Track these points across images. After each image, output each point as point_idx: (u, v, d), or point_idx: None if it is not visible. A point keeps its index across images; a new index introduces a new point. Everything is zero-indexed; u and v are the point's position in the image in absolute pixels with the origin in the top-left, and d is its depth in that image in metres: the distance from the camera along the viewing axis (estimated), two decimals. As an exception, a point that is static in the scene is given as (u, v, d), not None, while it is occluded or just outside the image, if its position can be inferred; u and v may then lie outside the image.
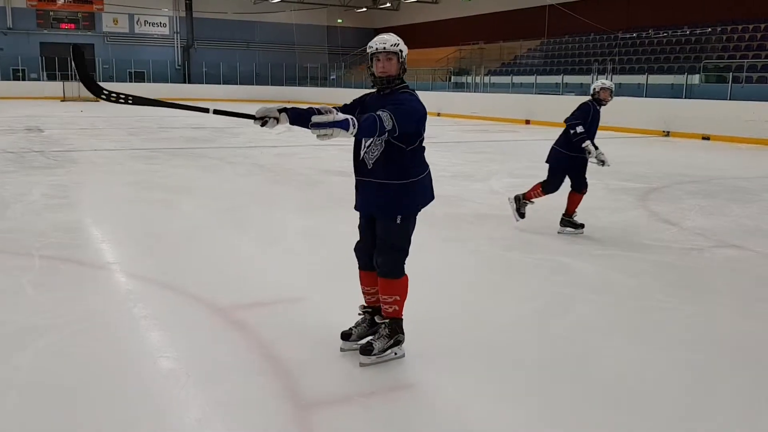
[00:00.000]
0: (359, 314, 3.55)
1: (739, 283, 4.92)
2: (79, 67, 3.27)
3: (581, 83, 23.35)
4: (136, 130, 17.42)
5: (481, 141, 16.26)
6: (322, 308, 4.08)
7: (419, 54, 37.85)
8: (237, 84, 42.02)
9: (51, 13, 39.66)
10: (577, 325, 3.96)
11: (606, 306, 4.32)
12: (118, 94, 3.17)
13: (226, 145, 14.09)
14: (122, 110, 26.21)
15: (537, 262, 5.34)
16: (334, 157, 11.85)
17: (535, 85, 24.73)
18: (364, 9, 44.35)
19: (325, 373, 3.22)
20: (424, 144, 3.29)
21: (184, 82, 42.09)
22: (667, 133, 18.12)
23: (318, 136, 2.86)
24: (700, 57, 21.14)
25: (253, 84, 42.33)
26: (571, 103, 22.02)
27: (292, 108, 3.14)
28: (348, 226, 6.48)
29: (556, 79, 24.56)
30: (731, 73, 18.72)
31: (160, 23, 42.64)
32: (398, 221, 3.24)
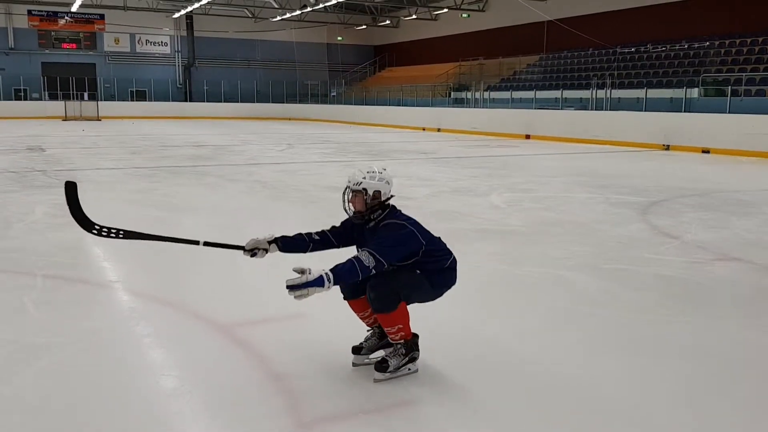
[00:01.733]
0: (368, 329, 3.55)
1: (741, 296, 4.92)
2: (71, 201, 3.27)
3: (580, 98, 23.46)
4: (137, 149, 17.48)
5: (481, 156, 16.31)
6: (324, 324, 4.08)
7: (419, 70, 38.07)
8: (238, 102, 42.23)
9: (53, 33, 39.94)
10: (578, 339, 3.96)
11: (607, 319, 4.32)
12: (109, 229, 3.23)
13: (228, 163, 14.13)
14: (124, 129, 26.33)
15: (538, 275, 5.34)
16: (336, 174, 11.88)
17: (534, 100, 24.83)
18: (364, 26, 44.64)
19: (327, 389, 3.22)
20: (450, 256, 3.34)
21: (186, 101, 42.32)
22: (667, 147, 18.17)
23: (295, 297, 2.96)
24: (698, 71, 21.24)
25: (254, 101, 42.55)
26: (571, 117, 22.26)
27: (282, 237, 3.27)
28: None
29: (555, 93, 24.66)
30: (730, 87, 18.79)
31: (162, 42, 42.92)
32: (417, 272, 3.25)
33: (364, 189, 3.24)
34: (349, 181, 3.29)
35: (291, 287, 2.96)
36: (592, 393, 3.24)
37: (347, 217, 3.41)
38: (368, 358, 3.43)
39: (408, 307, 3.30)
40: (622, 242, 6.58)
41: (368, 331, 3.54)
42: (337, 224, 3.47)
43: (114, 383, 3.27)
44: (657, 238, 6.79)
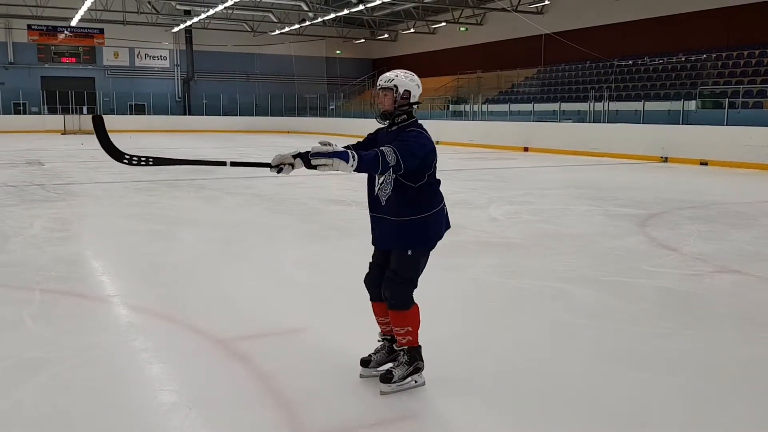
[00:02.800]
0: (378, 341, 3.56)
1: (740, 309, 4.91)
2: (99, 134, 3.29)
3: (578, 110, 23.53)
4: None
5: (479, 168, 16.34)
6: (324, 338, 4.07)
7: (417, 83, 38.11)
8: (237, 115, 42.33)
9: (52, 47, 40.07)
10: (578, 352, 3.95)
11: (607, 332, 4.31)
12: (139, 157, 3.23)
13: (226, 176, 14.13)
14: (122, 143, 26.32)
15: (537, 288, 5.34)
16: (334, 187, 11.89)
17: (532, 113, 24.89)
18: (362, 40, 44.85)
19: (327, 404, 3.21)
20: (438, 178, 3.33)
21: (185, 114, 42.41)
22: (665, 159, 18.21)
23: (318, 167, 2.92)
24: (696, 83, 21.33)
25: (253, 115, 42.65)
26: (569, 130, 22.34)
27: (306, 152, 3.14)
28: (348, 255, 6.52)
29: (553, 106, 24.75)
30: (727, 99, 18.86)
31: (161, 56, 43.06)
32: (409, 253, 3.26)
33: (395, 86, 3.24)
34: (381, 80, 3.28)
35: (317, 155, 2.92)
36: (593, 405, 3.22)
37: (369, 134, 3.41)
38: (376, 371, 3.43)
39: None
40: (621, 254, 6.58)
41: (378, 342, 3.55)
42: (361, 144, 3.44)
43: (112, 398, 3.26)
44: (656, 251, 6.79)
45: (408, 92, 3.27)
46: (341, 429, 2.98)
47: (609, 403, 3.27)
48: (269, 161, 3.16)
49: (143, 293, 5.16)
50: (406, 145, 3.10)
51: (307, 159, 3.05)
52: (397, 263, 3.29)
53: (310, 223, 8.42)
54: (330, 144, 2.96)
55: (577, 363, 3.77)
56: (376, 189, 3.30)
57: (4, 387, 3.36)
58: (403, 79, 3.27)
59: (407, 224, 3.25)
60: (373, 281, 3.42)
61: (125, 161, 3.23)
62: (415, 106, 3.32)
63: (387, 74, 3.30)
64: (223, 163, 3.36)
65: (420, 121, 3.33)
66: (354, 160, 2.93)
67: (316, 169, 2.97)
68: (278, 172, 3.14)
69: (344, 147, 3.30)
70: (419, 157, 3.15)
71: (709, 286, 5.55)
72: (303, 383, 3.41)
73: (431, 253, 3.36)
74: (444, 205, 3.39)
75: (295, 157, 3.09)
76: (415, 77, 3.34)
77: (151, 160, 3.25)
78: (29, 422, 3.01)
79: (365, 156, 2.99)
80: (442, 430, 2.98)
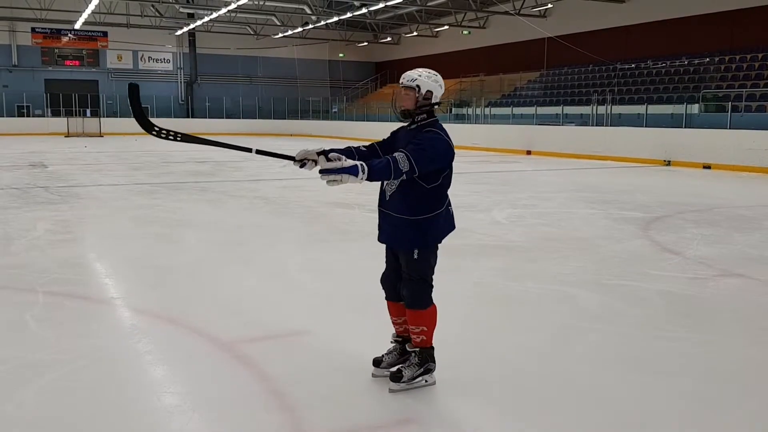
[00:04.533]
0: (391, 342, 3.57)
1: (744, 312, 4.90)
2: (134, 102, 3.35)
3: (581, 114, 23.52)
4: (139, 165, 17.53)
5: (482, 172, 16.34)
6: (327, 341, 4.07)
7: (420, 86, 38.13)
8: (240, 118, 42.39)
9: (56, 50, 40.21)
10: (582, 355, 3.94)
11: (611, 336, 4.30)
12: (168, 131, 3.27)
13: (229, 179, 14.16)
14: (126, 145, 26.41)
15: (541, 292, 5.33)
16: (338, 190, 11.88)
17: (535, 116, 24.90)
18: (365, 43, 44.91)
19: (331, 406, 3.20)
20: (451, 178, 3.33)
21: (188, 117, 42.47)
22: (668, 163, 18.20)
23: (327, 182, 2.95)
24: (698, 86, 21.31)
25: (256, 118, 42.71)
26: (572, 133, 22.35)
27: (330, 150, 3.17)
28: (352, 258, 6.52)
29: (556, 109, 24.75)
30: (730, 102, 18.85)
31: (164, 59, 43.17)
32: (415, 255, 3.27)
33: (418, 86, 3.24)
34: (404, 78, 3.27)
35: (325, 171, 2.95)
36: (597, 408, 3.22)
37: (391, 132, 3.42)
38: (387, 371, 3.44)
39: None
40: (624, 258, 6.57)
41: (392, 343, 3.56)
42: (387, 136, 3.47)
43: (115, 400, 3.26)
44: (659, 254, 6.78)
45: (430, 92, 3.26)
46: (341, 431, 2.98)
47: (613, 406, 3.26)
48: (293, 155, 3.16)
49: (147, 296, 5.16)
50: (422, 150, 3.10)
51: (327, 158, 3.08)
52: (406, 265, 3.31)
53: (314, 226, 8.42)
54: (339, 159, 2.98)
55: (581, 366, 3.76)
56: (385, 183, 3.31)
57: (8, 389, 3.36)
58: (425, 79, 3.25)
59: (409, 223, 3.25)
60: (389, 280, 3.44)
61: (154, 132, 3.27)
62: (436, 106, 3.31)
63: (410, 73, 3.28)
64: (249, 150, 3.37)
65: (440, 122, 3.33)
66: (363, 172, 2.95)
67: (318, 175, 3.00)
68: (301, 166, 3.15)
69: (364, 146, 3.32)
70: (435, 161, 3.15)
71: (713, 289, 5.54)
72: (307, 386, 3.41)
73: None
74: (449, 205, 3.39)
75: (319, 154, 3.11)
76: (439, 77, 3.33)
77: (179, 136, 3.30)
78: (32, 424, 3.02)
79: (376, 165, 3.00)
80: (445, 434, 2.98)
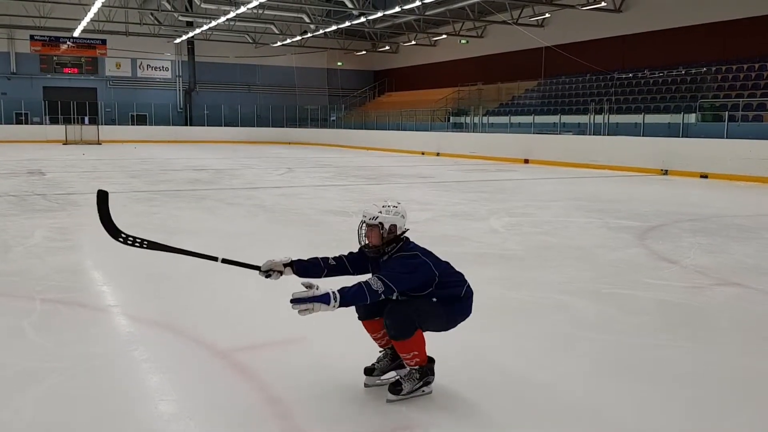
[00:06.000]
0: (380, 350, 3.56)
1: (741, 321, 4.91)
2: (101, 210, 3.37)
3: (578, 123, 23.59)
4: (137, 173, 17.54)
5: (480, 180, 16.36)
6: (323, 348, 4.07)
7: (418, 95, 38.32)
8: (238, 126, 42.46)
9: (54, 58, 40.25)
10: (579, 364, 3.95)
11: (607, 345, 4.31)
12: (134, 238, 3.31)
13: (227, 187, 14.17)
14: (124, 153, 26.43)
15: (537, 300, 5.34)
16: (335, 197, 11.91)
17: (533, 125, 24.96)
18: (364, 52, 45.03)
19: (327, 414, 3.21)
20: (456, 275, 3.38)
21: (186, 125, 42.53)
22: (666, 172, 18.24)
23: (299, 312, 2.99)
24: (695, 96, 21.39)
25: (254, 126, 42.79)
26: (569, 142, 22.46)
27: (298, 260, 3.28)
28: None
29: (553, 118, 24.82)
30: (727, 112, 18.93)
31: (163, 67, 43.23)
32: (434, 300, 3.26)
33: (381, 223, 3.27)
34: (365, 216, 3.30)
35: (296, 300, 2.99)
36: (594, 417, 3.22)
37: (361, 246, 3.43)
38: (380, 379, 3.44)
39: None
40: (621, 267, 6.58)
41: (380, 351, 3.55)
42: (354, 251, 3.49)
43: (112, 408, 3.26)
44: (656, 263, 6.80)
45: (394, 226, 3.29)
46: (341, 440, 2.98)
47: (610, 414, 3.27)
48: (260, 265, 3.24)
49: (144, 303, 5.16)
50: (392, 270, 3.14)
51: (298, 269, 3.25)
52: (419, 301, 3.25)
53: (310, 233, 8.42)
54: (312, 286, 3.01)
55: (578, 375, 3.77)
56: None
57: (5, 396, 3.36)
58: (386, 215, 3.28)
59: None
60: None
61: (120, 240, 3.31)
62: (404, 234, 3.33)
63: (371, 210, 3.30)
64: (215, 259, 3.43)
65: (413, 243, 3.35)
66: (335, 300, 2.98)
67: (290, 303, 3.04)
68: (266, 276, 3.24)
69: (333, 258, 3.37)
70: (410, 277, 3.16)
71: (710, 298, 5.55)
72: (303, 393, 3.41)
73: None
74: (469, 288, 3.41)
75: (285, 265, 3.16)
76: (400, 208, 3.34)
77: (145, 242, 3.34)
78: (29, 431, 3.01)
79: (348, 291, 3.03)
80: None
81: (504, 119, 27.54)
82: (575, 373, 3.80)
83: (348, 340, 4.02)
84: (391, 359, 3.49)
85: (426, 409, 3.26)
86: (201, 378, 3.66)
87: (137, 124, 40.73)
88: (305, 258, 3.40)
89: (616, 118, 22.23)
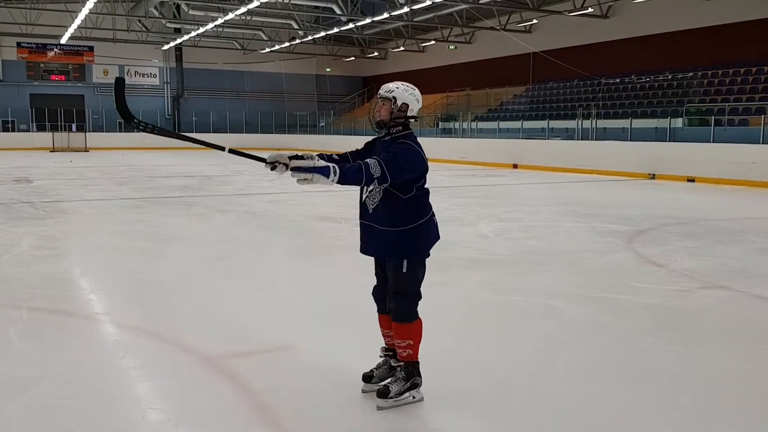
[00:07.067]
0: (380, 356, 3.56)
1: (728, 324, 4.94)
2: (118, 95, 3.44)
3: (567, 128, 23.71)
4: (125, 180, 17.46)
5: (469, 185, 16.40)
6: (313, 355, 4.06)
7: (407, 101, 38.30)
8: (227, 132, 42.36)
9: (41, 65, 40.05)
10: (568, 368, 3.95)
11: (595, 348, 4.32)
12: (146, 124, 3.41)
13: (216, 193, 14.13)
14: (111, 160, 26.30)
15: (526, 305, 5.35)
16: (325, 203, 11.90)
17: (521, 130, 25.05)
18: (353, 58, 45.07)
19: (317, 421, 3.20)
20: (427, 187, 3.35)
21: (175, 131, 42.31)
22: (653, 176, 18.35)
23: (298, 180, 2.97)
24: (682, 101, 21.55)
25: (243, 132, 42.71)
26: (557, 147, 22.52)
27: (303, 155, 3.17)
28: (339, 271, 6.52)
29: (542, 123, 24.92)
30: (713, 116, 19.08)
31: (151, 74, 43.10)
32: (404, 268, 3.28)
33: (394, 98, 3.27)
34: (381, 89, 3.31)
35: (296, 168, 2.97)
36: (582, 421, 3.23)
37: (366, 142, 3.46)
38: (378, 386, 3.44)
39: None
40: (609, 271, 6.61)
41: (380, 357, 3.55)
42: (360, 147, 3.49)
43: (100, 416, 3.23)
44: (643, 267, 6.83)
45: (406, 105, 3.29)
46: (330, 446, 2.97)
47: (597, 418, 3.28)
48: (265, 157, 3.16)
49: (131, 311, 5.13)
50: (393, 158, 3.12)
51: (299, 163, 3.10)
52: (394, 278, 3.31)
53: (300, 240, 8.41)
54: (312, 158, 3.00)
55: (566, 379, 3.78)
56: (364, 196, 3.33)
57: (-10, 406, 3.33)
58: (402, 92, 3.29)
59: (395, 234, 3.27)
60: (380, 293, 3.46)
61: (134, 124, 3.35)
62: (412, 120, 3.33)
63: (388, 84, 3.32)
64: (222, 148, 3.40)
65: (415, 135, 3.35)
66: (335, 174, 2.97)
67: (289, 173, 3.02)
68: (272, 169, 3.13)
69: (338, 155, 3.34)
70: (406, 170, 3.17)
71: (697, 301, 5.58)
72: (292, 401, 3.40)
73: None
74: (433, 215, 3.40)
75: (291, 158, 3.11)
76: (416, 92, 3.35)
77: (157, 129, 3.49)
78: (15, 441, 2.99)
79: (348, 169, 3.03)
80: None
81: (493, 125, 27.64)
82: (564, 377, 3.81)
83: (338, 348, 4.02)
84: (390, 367, 3.49)
85: (416, 415, 3.26)
86: (189, 385, 3.64)
87: (125, 131, 40.57)
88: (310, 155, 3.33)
89: (603, 123, 22.36)
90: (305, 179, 2.96)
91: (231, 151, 3.36)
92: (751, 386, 3.74)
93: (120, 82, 3.53)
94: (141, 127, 3.38)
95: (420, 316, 3.38)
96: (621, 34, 27.33)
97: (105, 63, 40.95)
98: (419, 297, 3.36)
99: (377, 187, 3.19)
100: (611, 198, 13.69)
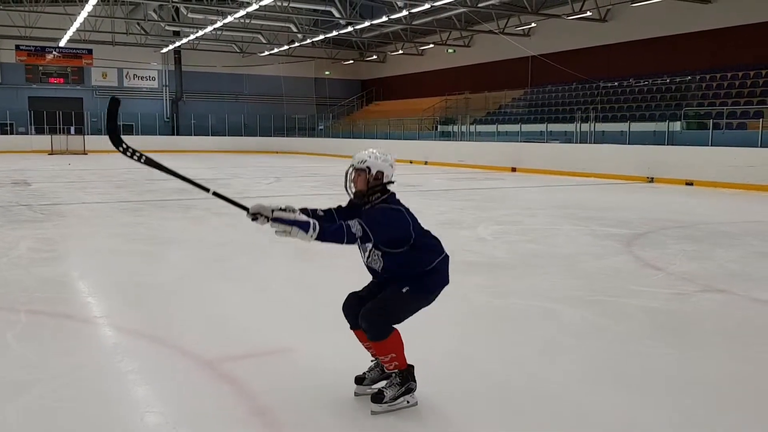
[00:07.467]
0: (371, 360, 3.54)
1: (726, 327, 4.95)
2: (111, 117, 3.39)
3: (565, 131, 23.73)
4: (123, 183, 17.45)
5: (468, 189, 16.41)
6: (311, 358, 4.06)
7: (406, 104, 38.41)
8: (226, 135, 42.36)
9: (40, 67, 40.01)
10: (567, 371, 3.95)
11: (594, 351, 4.32)
12: (134, 151, 3.33)
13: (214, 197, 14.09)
14: (109, 163, 26.29)
15: (525, 308, 5.35)
16: (323, 206, 11.88)
17: (520, 133, 25.07)
18: (351, 61, 45.11)
19: (315, 424, 3.19)
20: (428, 235, 3.39)
21: (173, 134, 42.36)
22: (651, 179, 18.36)
23: (276, 232, 3.00)
24: (680, 104, 21.58)
25: (241, 135, 42.72)
26: (556, 150, 22.52)
27: (287, 207, 3.21)
28: (336, 274, 6.51)
29: (540, 127, 24.95)
30: (712, 120, 19.10)
31: (149, 77, 43.10)
32: (404, 290, 3.26)
33: (368, 167, 3.28)
34: (354, 160, 3.32)
35: (277, 219, 2.99)
36: (581, 424, 3.23)
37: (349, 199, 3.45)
38: (370, 389, 3.43)
39: (405, 333, 3.31)
40: (608, 274, 6.61)
41: (372, 361, 3.54)
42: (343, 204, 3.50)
43: (98, 419, 3.23)
44: (642, 270, 6.83)
45: (380, 173, 3.30)
46: (329, 449, 2.96)
47: (596, 421, 3.28)
48: (248, 207, 3.19)
49: (130, 314, 5.12)
50: (374, 218, 3.15)
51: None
52: (388, 296, 3.27)
53: (298, 242, 8.38)
54: (294, 211, 3.02)
55: (565, 382, 3.78)
56: (365, 262, 3.36)
57: (-12, 409, 3.32)
58: (375, 160, 3.30)
59: (407, 277, 3.29)
60: (351, 309, 3.40)
61: (121, 150, 3.30)
62: (390, 184, 3.35)
63: (360, 154, 3.33)
64: (207, 190, 3.39)
65: (397, 198, 3.37)
66: (314, 231, 2.99)
67: (268, 223, 3.06)
68: (253, 219, 3.16)
69: (322, 210, 3.36)
70: (391, 227, 3.19)
71: (695, 305, 5.59)
72: (291, 404, 3.39)
73: None
74: (444, 259, 3.41)
75: (274, 210, 3.14)
76: (389, 157, 3.36)
77: (143, 158, 3.37)
78: (13, 444, 2.98)
79: (328, 228, 3.05)
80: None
81: (491, 128, 27.66)
82: (562, 380, 3.81)
83: (335, 350, 4.02)
84: (382, 370, 3.48)
85: (413, 418, 3.26)
86: (187, 388, 3.64)
87: (124, 134, 40.08)
88: (293, 207, 3.29)
89: (602, 127, 22.38)
90: (284, 231, 2.98)
91: (215, 194, 3.35)
92: (750, 389, 3.74)
93: (114, 102, 3.45)
94: (128, 154, 3.31)
95: (418, 318, 3.38)
96: (619, 38, 27.38)
97: (104, 66, 40.96)
98: (397, 322, 3.30)
99: (365, 247, 3.23)
100: (610, 201, 13.70)
